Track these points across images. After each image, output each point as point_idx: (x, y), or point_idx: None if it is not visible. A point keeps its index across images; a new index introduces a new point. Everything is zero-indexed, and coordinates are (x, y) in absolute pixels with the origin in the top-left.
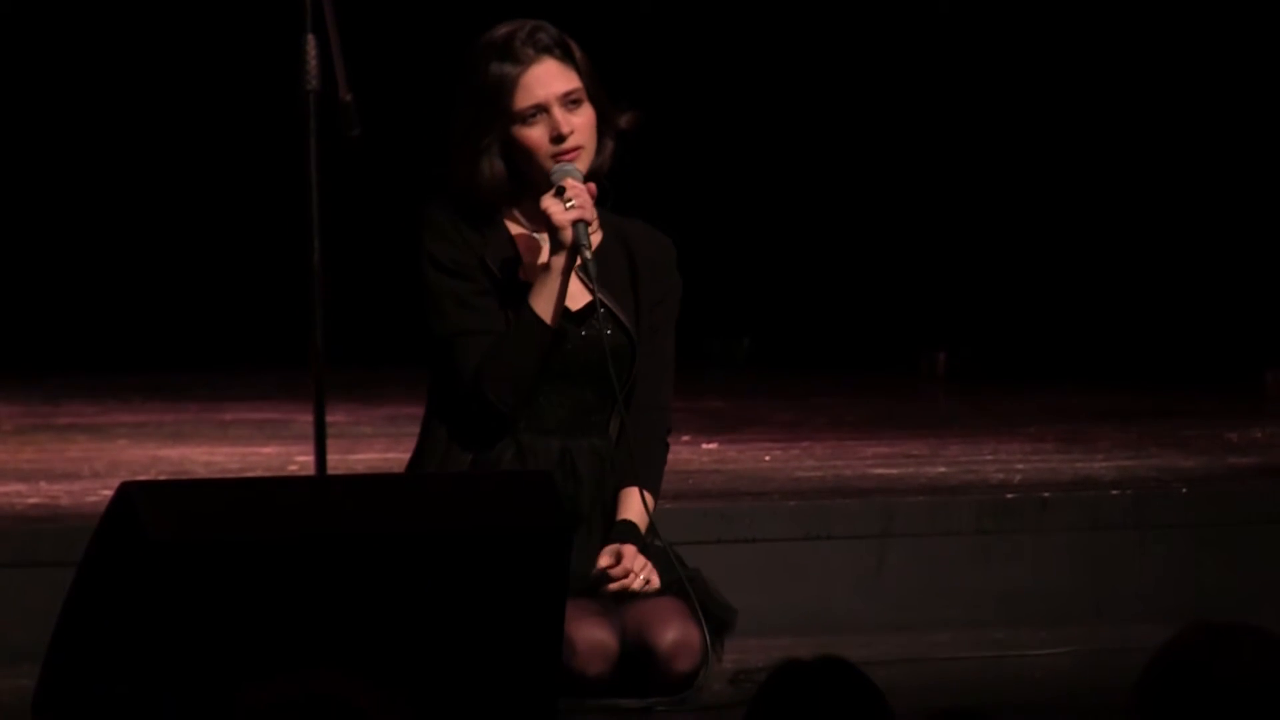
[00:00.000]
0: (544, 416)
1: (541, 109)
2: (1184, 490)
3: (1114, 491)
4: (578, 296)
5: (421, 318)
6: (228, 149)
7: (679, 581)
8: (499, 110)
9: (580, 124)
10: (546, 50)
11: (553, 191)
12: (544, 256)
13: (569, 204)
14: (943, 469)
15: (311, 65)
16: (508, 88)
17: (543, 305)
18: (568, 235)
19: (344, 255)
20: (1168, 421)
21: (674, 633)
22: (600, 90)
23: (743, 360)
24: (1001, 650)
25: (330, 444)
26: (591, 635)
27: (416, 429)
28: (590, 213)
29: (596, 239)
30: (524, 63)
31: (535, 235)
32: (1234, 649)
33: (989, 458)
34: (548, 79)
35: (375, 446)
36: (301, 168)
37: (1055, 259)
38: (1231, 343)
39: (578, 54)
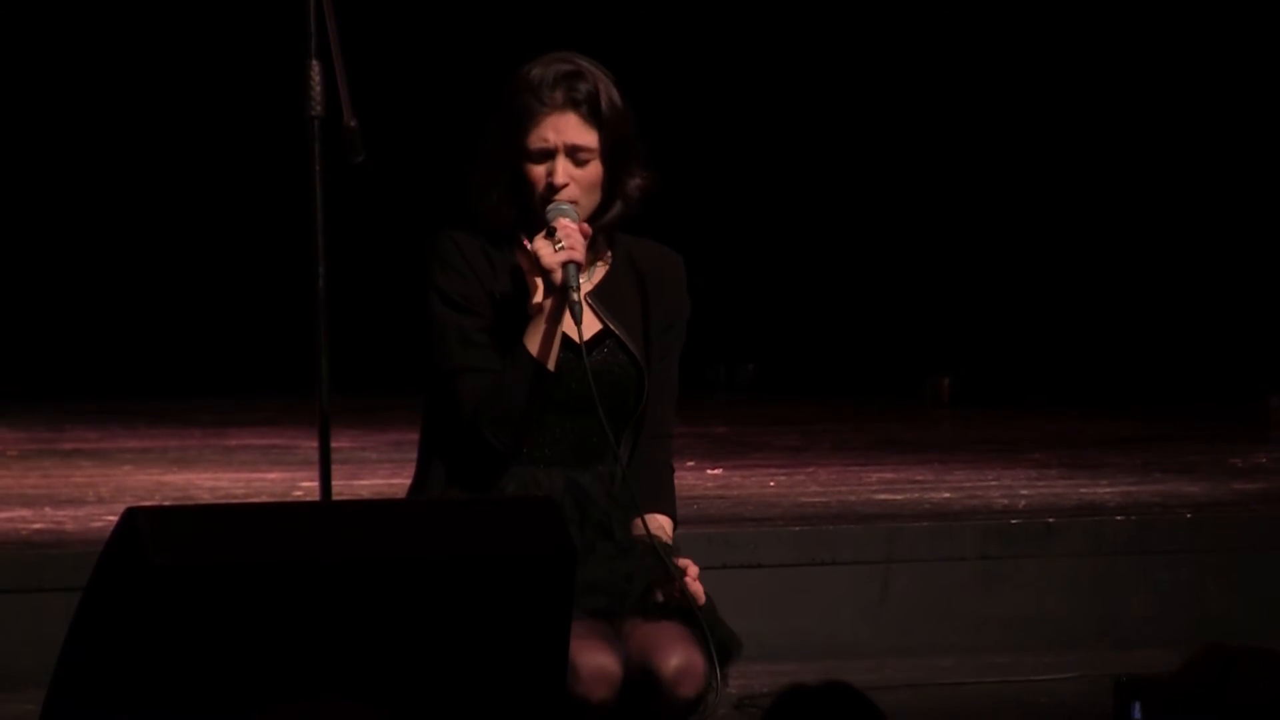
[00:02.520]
0: (548, 448)
1: (548, 153)
2: (1188, 516)
3: (1118, 517)
4: (586, 326)
5: (424, 349)
6: (233, 175)
7: (685, 608)
8: (515, 141)
9: (580, 177)
10: (574, 105)
11: (544, 232)
12: (539, 296)
13: (559, 245)
14: (947, 494)
15: (316, 91)
16: (526, 124)
17: (535, 346)
18: (558, 277)
19: (349, 281)
20: (1172, 447)
21: (678, 658)
22: (623, 153)
23: (748, 386)
24: (1005, 675)
25: (335, 470)
26: (595, 661)
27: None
28: (581, 254)
29: (602, 272)
30: (549, 106)
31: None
32: (1247, 672)
33: (993, 483)
34: (564, 128)
35: (380, 472)
36: (306, 193)
37: (1060, 285)
38: (1236, 368)
39: (607, 110)
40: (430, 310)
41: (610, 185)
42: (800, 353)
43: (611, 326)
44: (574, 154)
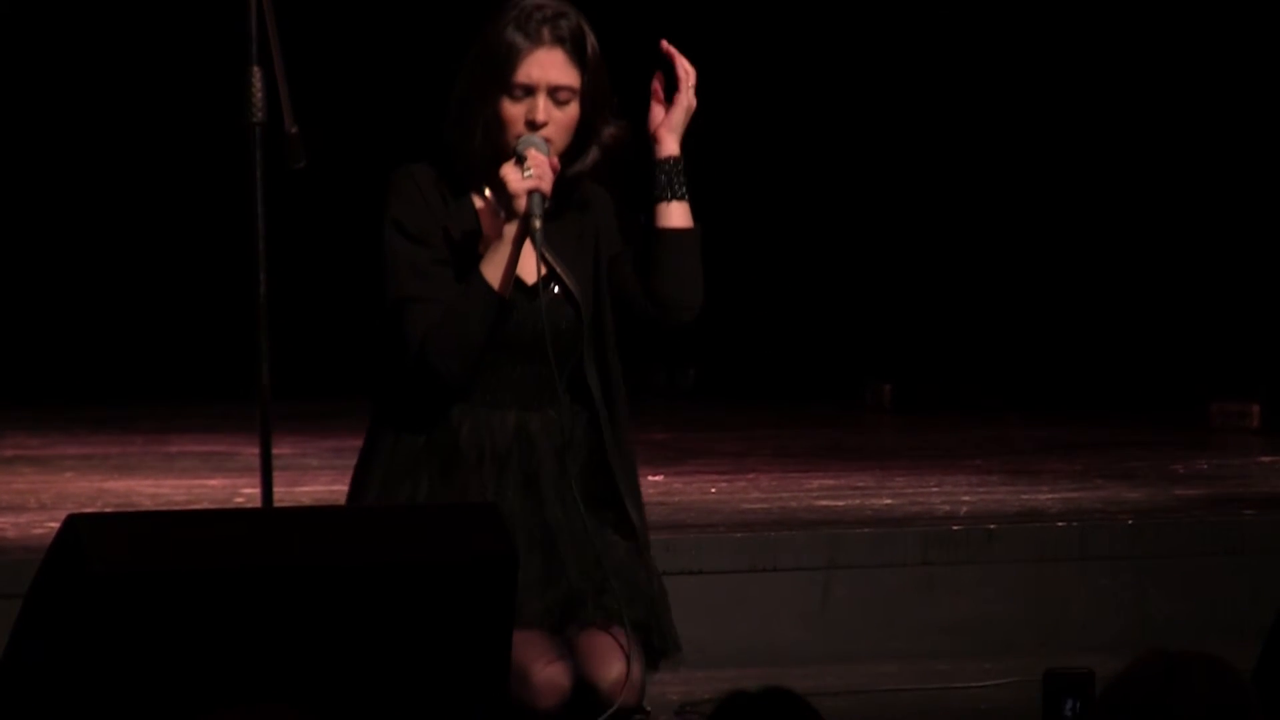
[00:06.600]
0: (499, 391)
1: (530, 91)
2: (1129, 522)
3: (1059, 523)
4: (533, 269)
5: (377, 282)
6: (173, 181)
7: (629, 615)
8: (497, 77)
9: (559, 118)
10: (560, 41)
11: (513, 160)
12: (498, 226)
13: (527, 173)
14: (888, 500)
15: (257, 97)
16: (511, 60)
17: (491, 273)
18: (521, 204)
19: (290, 288)
20: (1113, 453)
21: (618, 669)
22: (600, 97)
23: (689, 391)
24: (947, 682)
25: (276, 476)
26: (547, 672)
27: None
28: (547, 185)
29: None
30: (535, 42)
31: (498, 208)
32: (1188, 678)
33: (935, 489)
34: (549, 65)
35: (321, 479)
36: (247, 200)
37: (1002, 292)
38: (1177, 375)
39: (590, 53)
40: (385, 240)
41: (585, 130)
42: (741, 357)
43: (556, 269)
44: (555, 93)
